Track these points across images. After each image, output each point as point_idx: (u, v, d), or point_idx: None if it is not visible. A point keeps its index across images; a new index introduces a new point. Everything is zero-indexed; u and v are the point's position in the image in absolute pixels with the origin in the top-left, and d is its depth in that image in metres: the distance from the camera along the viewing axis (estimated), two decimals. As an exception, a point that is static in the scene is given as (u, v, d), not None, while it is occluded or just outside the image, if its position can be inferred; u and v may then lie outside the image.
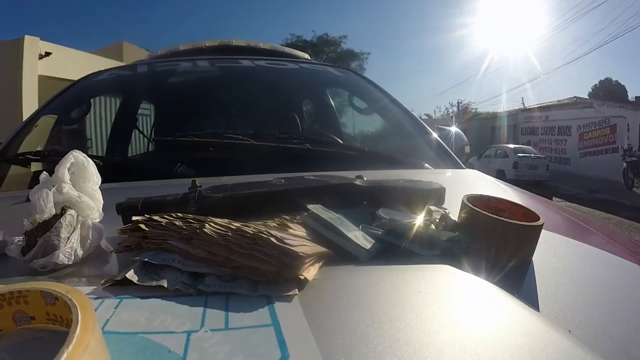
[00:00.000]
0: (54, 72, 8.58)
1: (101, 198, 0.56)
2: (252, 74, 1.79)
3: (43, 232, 0.46)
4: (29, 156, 1.24)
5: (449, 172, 1.22)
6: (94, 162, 0.99)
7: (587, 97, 23.83)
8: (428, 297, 0.35)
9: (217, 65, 1.86)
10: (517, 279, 0.42)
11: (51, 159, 1.25)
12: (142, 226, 0.39)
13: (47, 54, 8.53)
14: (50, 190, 0.50)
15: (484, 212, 0.45)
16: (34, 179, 1.26)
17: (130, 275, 0.35)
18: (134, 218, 0.42)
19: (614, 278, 0.52)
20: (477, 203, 0.50)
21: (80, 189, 0.54)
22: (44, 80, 8.45)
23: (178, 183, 0.88)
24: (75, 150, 0.56)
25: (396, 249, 0.43)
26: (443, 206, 0.57)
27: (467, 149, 1.73)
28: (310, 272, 0.37)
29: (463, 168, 1.30)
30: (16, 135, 1.61)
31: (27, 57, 8.03)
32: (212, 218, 0.39)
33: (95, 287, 0.35)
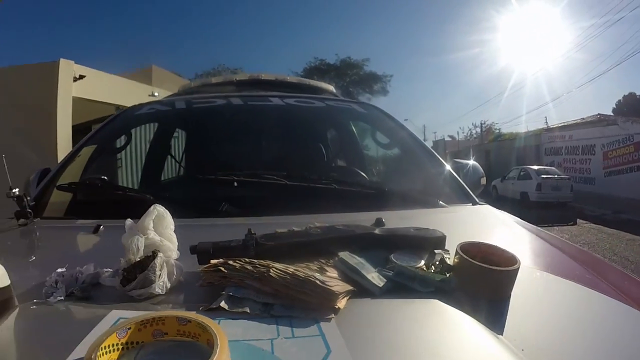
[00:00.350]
0: (87, 95, 8.94)
1: (176, 240, 0.72)
2: (282, 112, 1.93)
3: (140, 270, 0.62)
4: (76, 185, 1.42)
5: (461, 210, 1.32)
6: (146, 198, 1.16)
7: (612, 114, 23.35)
8: (415, 324, 0.52)
9: (250, 103, 2.00)
10: (492, 311, 0.56)
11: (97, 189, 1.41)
12: (222, 268, 0.55)
13: (81, 76, 8.85)
14: (142, 237, 0.67)
15: (470, 259, 0.59)
16: (81, 205, 1.38)
17: (223, 304, 0.50)
18: (213, 261, 0.58)
19: (582, 309, 0.65)
20: (471, 248, 0.64)
21: (161, 234, 0.71)
22: (77, 102, 8.77)
23: (223, 223, 1.03)
24: (157, 204, 0.72)
25: (402, 286, 0.58)
26: (446, 248, 0.72)
27: (483, 181, 1.82)
28: (341, 303, 0.52)
29: (477, 203, 1.41)
30: (65, 164, 1.80)
31: (62, 79, 8.29)
32: (273, 264, 0.55)
33: (193, 312, 0.51)
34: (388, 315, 0.54)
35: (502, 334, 0.51)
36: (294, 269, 0.53)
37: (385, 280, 0.57)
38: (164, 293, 0.60)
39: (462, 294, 0.58)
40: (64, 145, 8.20)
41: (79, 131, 8.53)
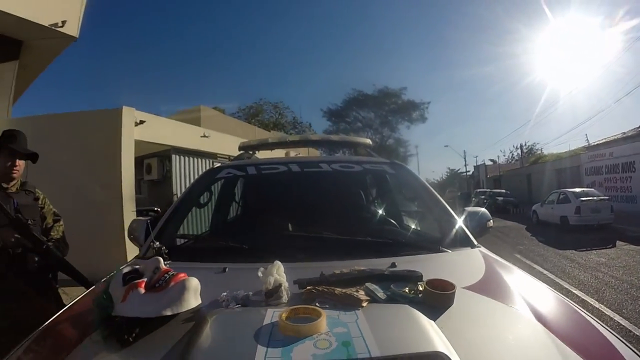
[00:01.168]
0: (148, 137, 9.94)
1: (285, 276, 1.42)
2: (330, 177, 2.56)
3: (275, 292, 1.32)
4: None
5: (458, 254, 1.85)
6: (242, 247, 1.82)
7: (657, 122, 22.48)
8: (394, 315, 1.17)
9: (306, 170, 2.62)
10: (435, 311, 1.19)
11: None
12: (313, 290, 1.25)
13: (142, 122, 9.70)
14: (272, 277, 1.37)
15: (428, 287, 1.26)
16: (203, 252, 2.05)
17: (316, 305, 1.19)
18: (308, 287, 1.28)
19: (493, 317, 1.25)
20: (434, 281, 1.29)
21: (279, 274, 1.41)
22: (138, 144, 9.65)
23: (300, 266, 1.60)
24: (277, 261, 1.42)
25: (392, 299, 1.25)
26: (424, 280, 1.37)
27: (490, 224, 2.34)
28: (364, 304, 1.21)
29: (475, 246, 1.95)
30: (168, 218, 2.43)
31: (125, 125, 9.06)
32: (335, 288, 1.24)
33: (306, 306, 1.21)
34: (382, 310, 1.20)
35: (435, 321, 1.14)
36: (345, 290, 1.23)
37: (385, 296, 1.26)
38: (286, 302, 1.30)
39: (425, 304, 1.24)
40: (127, 183, 9.04)
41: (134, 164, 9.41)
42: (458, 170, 55.21)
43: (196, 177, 10.63)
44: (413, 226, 2.67)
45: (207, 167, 11.41)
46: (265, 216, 2.46)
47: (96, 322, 1.28)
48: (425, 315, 1.15)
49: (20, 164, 2.63)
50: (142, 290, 1.29)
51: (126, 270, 1.41)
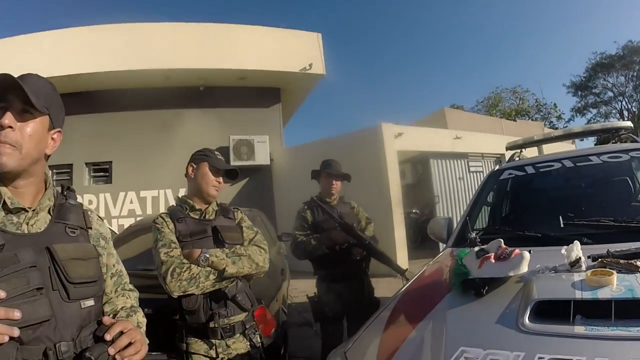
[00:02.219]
0: (406, 147, 11.03)
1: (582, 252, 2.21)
2: (602, 169, 2.83)
3: (576, 263, 2.06)
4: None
5: None
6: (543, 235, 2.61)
7: None
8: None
9: (578, 164, 2.86)
10: None
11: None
12: (604, 261, 1.99)
13: (400, 134, 10.82)
14: (574, 252, 2.20)
15: None
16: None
17: (610, 269, 1.94)
18: (600, 259, 2.04)
19: None
20: None
21: (577, 250, 2.17)
22: (399, 153, 10.89)
23: (586, 247, 2.16)
24: (576, 241, 2.20)
25: None
26: None
27: None
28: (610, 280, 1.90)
29: None
30: (468, 216, 3.05)
31: (386, 139, 10.32)
32: (620, 259, 1.98)
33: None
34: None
35: None
36: (627, 261, 1.94)
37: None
38: (585, 270, 1.97)
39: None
40: (394, 190, 10.36)
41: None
42: None
43: (453, 178, 11.55)
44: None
45: (461, 168, 12.15)
46: (550, 208, 2.75)
47: (456, 282, 1.75)
48: None
49: (337, 183, 3.33)
50: (493, 260, 1.73)
51: (476, 249, 1.87)
